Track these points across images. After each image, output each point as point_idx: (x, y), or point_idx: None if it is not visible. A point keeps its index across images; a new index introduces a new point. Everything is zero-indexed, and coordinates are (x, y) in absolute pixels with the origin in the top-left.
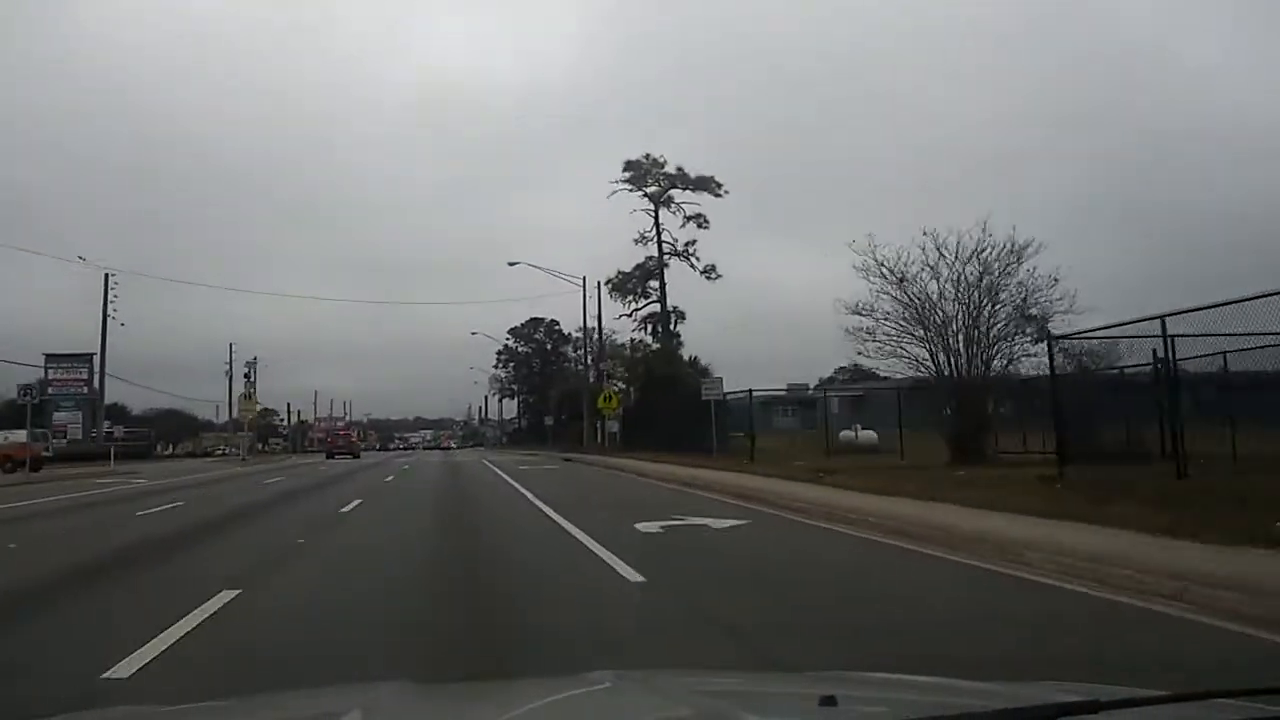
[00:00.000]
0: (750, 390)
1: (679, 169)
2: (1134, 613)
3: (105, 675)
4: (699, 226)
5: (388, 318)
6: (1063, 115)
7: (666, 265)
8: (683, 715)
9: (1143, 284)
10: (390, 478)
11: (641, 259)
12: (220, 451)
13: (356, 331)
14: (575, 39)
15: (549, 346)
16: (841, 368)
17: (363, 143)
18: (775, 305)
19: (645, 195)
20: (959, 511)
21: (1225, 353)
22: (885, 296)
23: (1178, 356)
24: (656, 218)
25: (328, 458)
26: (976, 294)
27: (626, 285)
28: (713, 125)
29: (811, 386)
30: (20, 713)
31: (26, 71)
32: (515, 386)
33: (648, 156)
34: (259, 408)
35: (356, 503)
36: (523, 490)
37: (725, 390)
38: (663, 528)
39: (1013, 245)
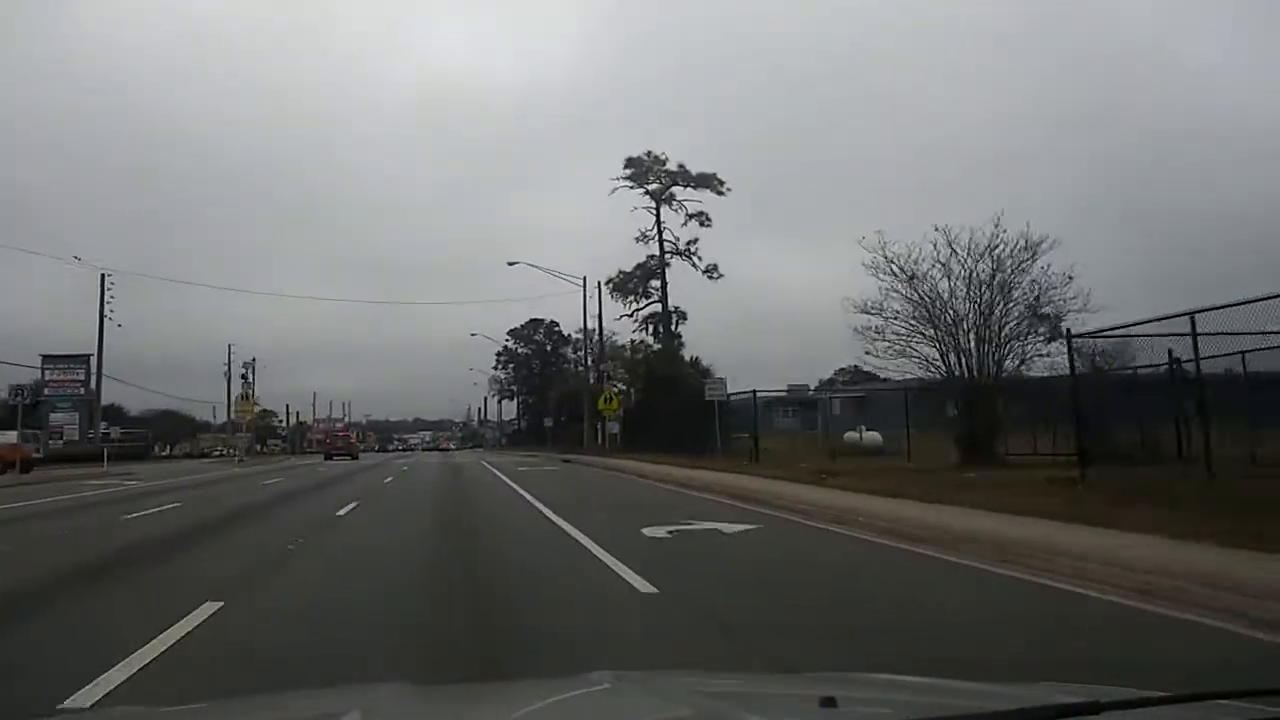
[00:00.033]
0: (755, 391)
1: (681, 166)
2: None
3: (63, 705)
4: (701, 225)
5: (387, 318)
6: (1063, 115)
7: (668, 264)
8: (682, 715)
9: (1143, 284)
10: (388, 479)
11: (643, 258)
12: (218, 453)
13: (356, 332)
14: (575, 39)
15: (548, 348)
16: (841, 369)
17: (363, 143)
18: (774, 306)
19: (647, 192)
20: (987, 517)
21: (1243, 352)
22: (895, 294)
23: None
24: (658, 216)
25: (326, 459)
26: (988, 292)
27: (627, 285)
28: (713, 125)
29: (812, 388)
30: (18, 714)
31: (26, 71)
32: (515, 388)
33: (649, 154)
34: (258, 409)
35: (353, 505)
36: (523, 492)
37: (728, 391)
38: (670, 533)
39: (1026, 242)
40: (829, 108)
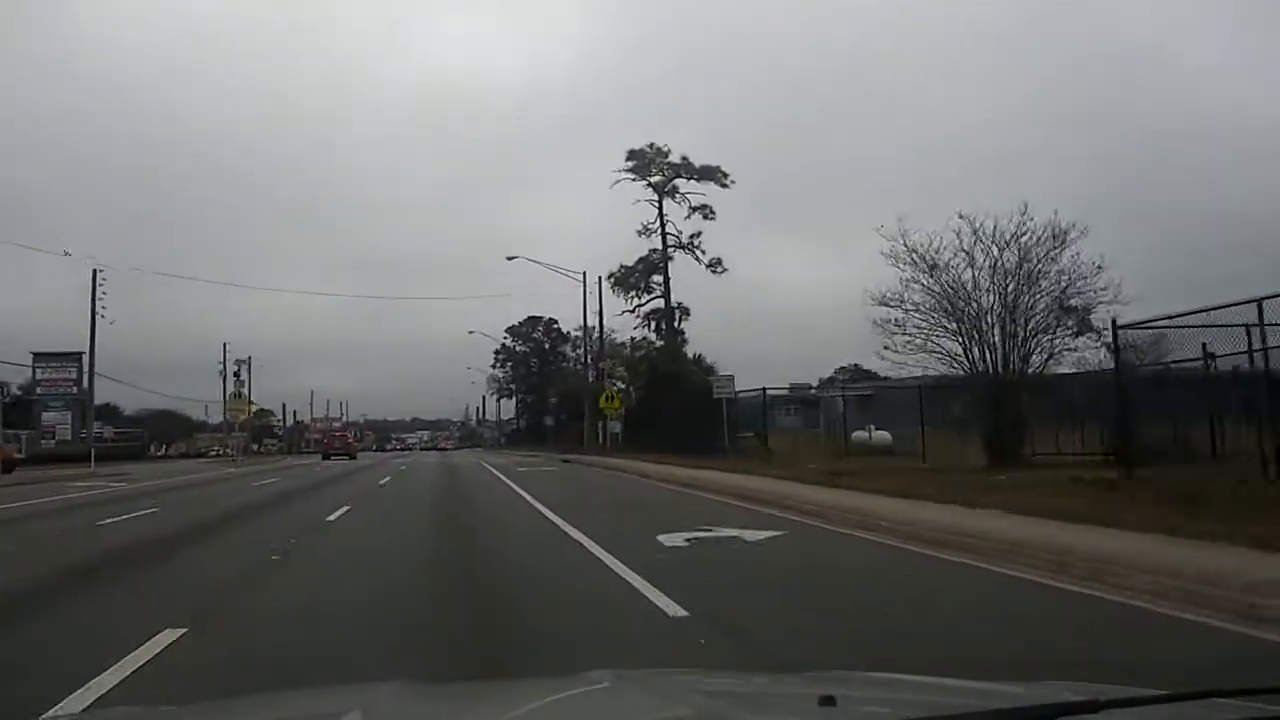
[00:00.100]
0: (764, 389)
1: (684, 158)
2: None
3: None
4: (705, 218)
5: (385, 317)
6: (1063, 115)
7: (670, 258)
8: (682, 715)
9: (1142, 284)
10: (385, 480)
11: (645, 252)
12: (215, 452)
13: (354, 331)
14: (576, 39)
15: (547, 345)
16: (842, 367)
17: (363, 143)
18: (774, 305)
19: (649, 185)
20: (1037, 524)
21: (1267, 348)
22: (915, 285)
23: (1219, 351)
24: (660, 209)
25: (324, 459)
26: (1014, 282)
27: (629, 279)
28: (713, 125)
29: (814, 386)
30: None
31: (26, 71)
32: (513, 386)
33: (651, 145)
34: (254, 408)
35: (345, 509)
36: (524, 494)
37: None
38: (689, 540)
39: (1054, 230)
40: (829, 108)
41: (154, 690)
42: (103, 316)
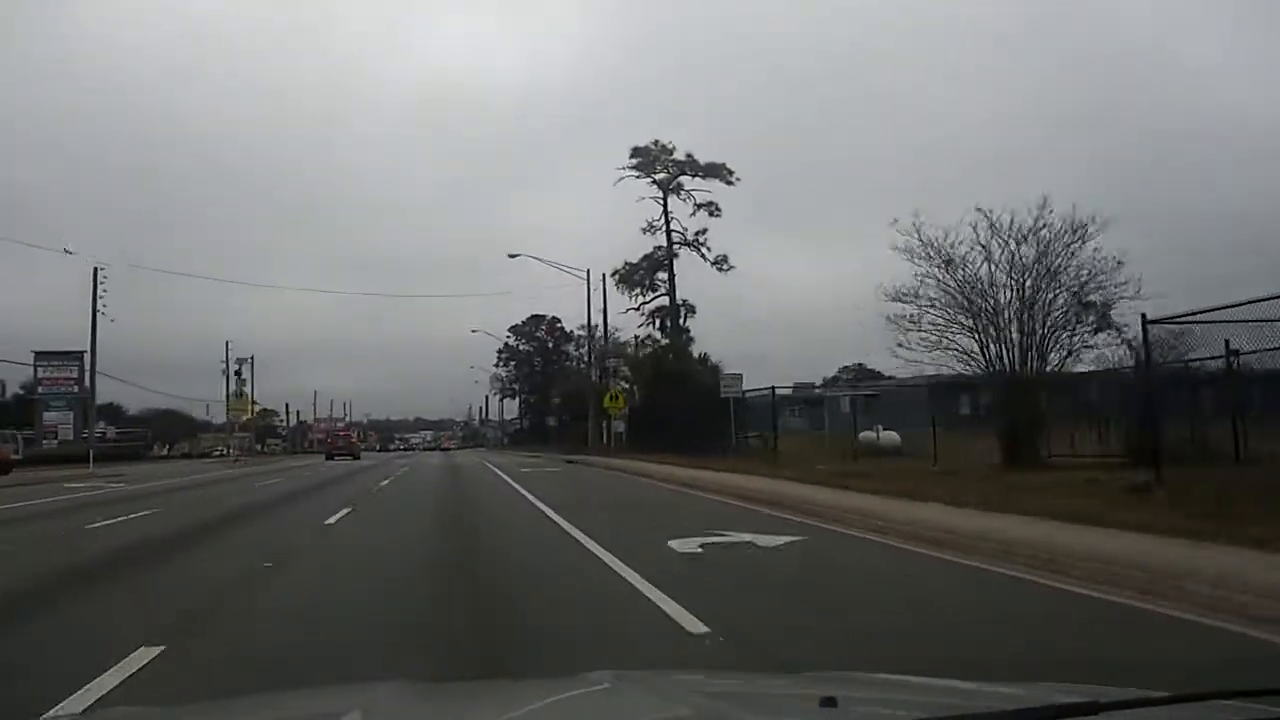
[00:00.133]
0: (774, 388)
1: (689, 155)
2: None
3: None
4: (710, 215)
5: (387, 317)
6: (1063, 115)
7: (676, 255)
8: (682, 715)
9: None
10: (386, 481)
11: (649, 249)
12: (218, 453)
13: (357, 331)
14: (576, 39)
15: (550, 345)
16: (846, 366)
17: (363, 143)
18: (775, 304)
19: (654, 182)
20: (1077, 531)
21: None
22: (930, 281)
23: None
24: (665, 206)
25: (327, 459)
26: (1032, 278)
27: (634, 277)
28: (713, 125)
29: (817, 385)
30: (17, 715)
31: (26, 71)
32: (516, 386)
33: (656, 142)
34: (257, 408)
35: (345, 511)
36: (528, 495)
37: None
38: (702, 547)
39: (1074, 224)
40: (829, 108)
41: (138, 700)
42: (104, 315)
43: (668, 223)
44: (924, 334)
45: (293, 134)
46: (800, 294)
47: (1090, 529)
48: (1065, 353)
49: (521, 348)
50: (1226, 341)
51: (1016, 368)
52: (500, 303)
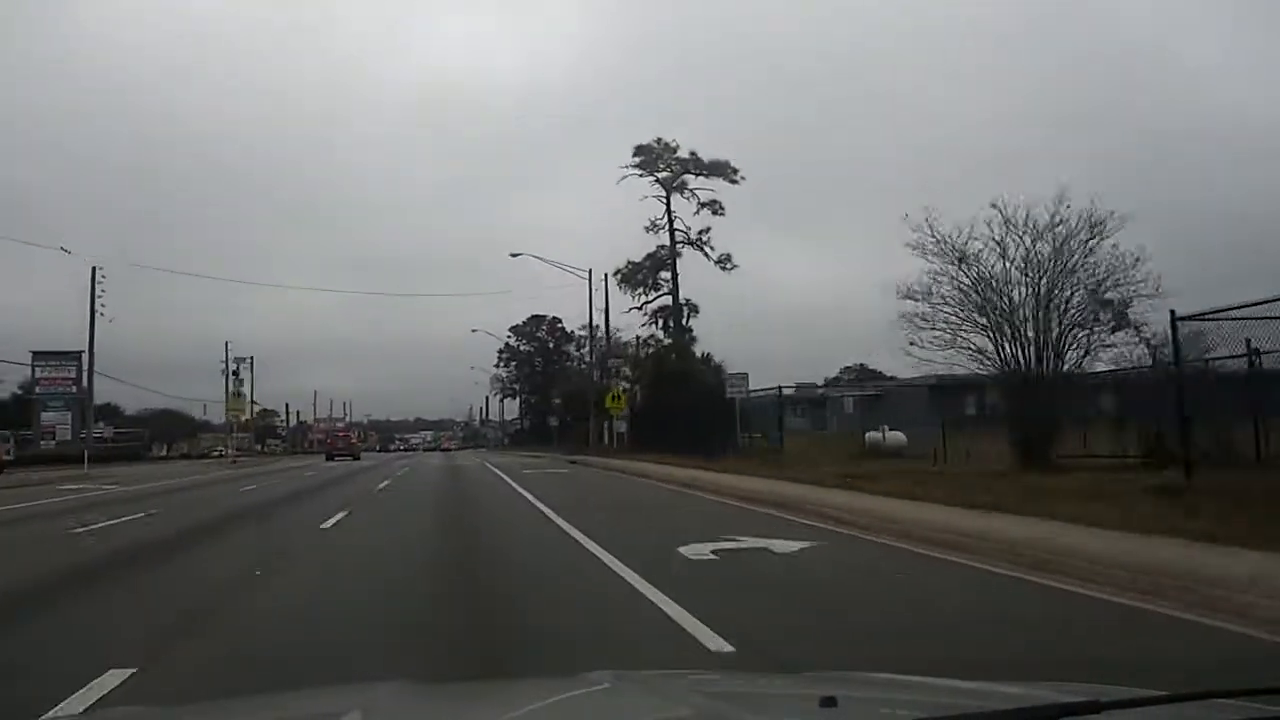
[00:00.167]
0: (780, 388)
1: (692, 153)
2: None
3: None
4: (714, 213)
5: (387, 317)
6: (1063, 115)
7: (679, 254)
8: (682, 715)
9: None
10: (386, 482)
11: (652, 248)
12: (217, 453)
13: (357, 331)
14: (576, 39)
15: (551, 345)
16: (848, 366)
17: (363, 143)
18: (775, 304)
19: (657, 180)
20: (1122, 538)
21: None
22: (943, 278)
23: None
24: (668, 204)
25: (327, 459)
26: (1048, 275)
27: (636, 276)
28: (713, 125)
29: (819, 386)
30: (18, 714)
31: (26, 71)
32: (517, 386)
33: (659, 140)
34: (257, 408)
35: (345, 513)
36: (532, 498)
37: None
38: (715, 553)
39: (1091, 220)
40: (829, 108)
41: None
42: (102, 315)
43: (670, 222)
44: (938, 333)
45: (293, 134)
46: (800, 294)
47: (1130, 535)
48: (1083, 352)
49: (522, 348)
50: (1248, 340)
51: (1032, 366)
52: (501, 303)
